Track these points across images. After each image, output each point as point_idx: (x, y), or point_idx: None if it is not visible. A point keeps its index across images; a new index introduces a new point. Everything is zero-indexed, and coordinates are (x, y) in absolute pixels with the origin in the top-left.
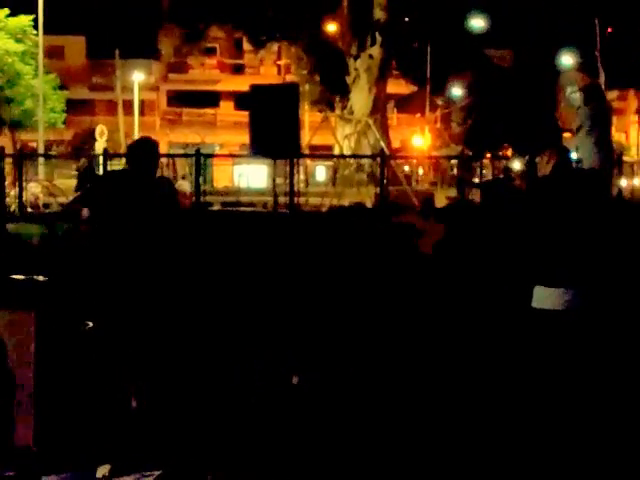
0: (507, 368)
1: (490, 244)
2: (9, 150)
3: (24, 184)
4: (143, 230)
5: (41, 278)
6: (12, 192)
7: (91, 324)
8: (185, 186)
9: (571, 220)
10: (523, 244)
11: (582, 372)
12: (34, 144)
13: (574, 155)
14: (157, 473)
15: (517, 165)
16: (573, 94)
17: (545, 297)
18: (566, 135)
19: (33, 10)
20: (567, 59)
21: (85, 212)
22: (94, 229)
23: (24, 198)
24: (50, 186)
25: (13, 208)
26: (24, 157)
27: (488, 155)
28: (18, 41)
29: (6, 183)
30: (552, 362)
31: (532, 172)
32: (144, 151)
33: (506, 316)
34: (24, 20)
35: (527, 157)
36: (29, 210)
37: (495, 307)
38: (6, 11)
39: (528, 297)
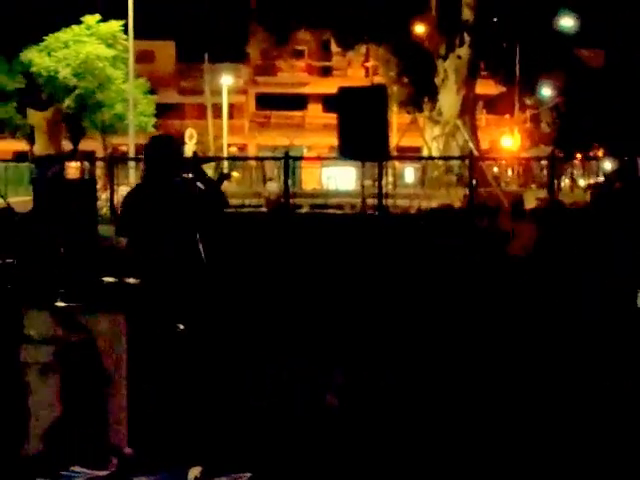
0: (612, 367)
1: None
2: (100, 154)
3: (115, 187)
4: (196, 238)
5: (132, 280)
6: (103, 195)
7: (182, 327)
8: (273, 187)
9: None
10: (626, 245)
11: None
12: (125, 148)
13: None
14: (247, 475)
15: (608, 166)
16: None
17: None
18: None
19: (123, 15)
20: None
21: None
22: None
23: (115, 201)
24: None
25: (104, 211)
26: (115, 161)
27: (579, 156)
28: (109, 46)
29: (98, 186)
30: None
31: (630, 172)
32: (159, 152)
33: (612, 317)
34: (114, 25)
35: (624, 158)
36: None
37: (600, 308)
38: (97, 17)
39: (633, 298)
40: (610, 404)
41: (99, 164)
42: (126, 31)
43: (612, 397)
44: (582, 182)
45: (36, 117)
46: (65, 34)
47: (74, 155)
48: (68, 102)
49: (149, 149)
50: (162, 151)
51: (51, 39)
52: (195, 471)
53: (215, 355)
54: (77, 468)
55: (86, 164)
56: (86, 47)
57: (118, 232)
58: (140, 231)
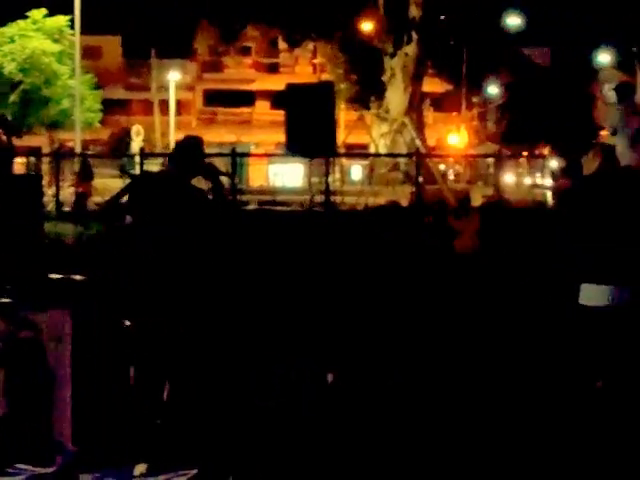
0: (554, 365)
1: (531, 241)
2: (46, 150)
3: (61, 183)
4: (180, 231)
5: (78, 277)
6: (49, 192)
7: (128, 323)
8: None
9: (618, 217)
10: (570, 241)
11: (630, 368)
12: (71, 144)
13: None
14: (193, 472)
15: (554, 164)
16: (610, 92)
17: (593, 294)
18: (603, 133)
19: (70, 10)
20: (604, 57)
21: (128, 218)
22: (134, 229)
23: (61, 197)
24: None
25: (51, 207)
26: (61, 157)
27: (525, 153)
28: (55, 41)
29: (43, 182)
30: (600, 359)
31: (576, 170)
32: (191, 151)
33: (553, 314)
34: (61, 20)
35: (570, 156)
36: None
37: (541, 305)
38: (43, 11)
39: (575, 294)
40: (550, 399)
41: (45, 160)
42: (72, 26)
43: (553, 393)
44: (528, 180)
45: None
46: (10, 29)
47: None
48: (13, 97)
49: (184, 146)
50: (194, 151)
51: None
52: (141, 467)
53: (162, 351)
54: (22, 465)
55: (31, 160)
56: (32, 42)
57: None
58: (151, 216)
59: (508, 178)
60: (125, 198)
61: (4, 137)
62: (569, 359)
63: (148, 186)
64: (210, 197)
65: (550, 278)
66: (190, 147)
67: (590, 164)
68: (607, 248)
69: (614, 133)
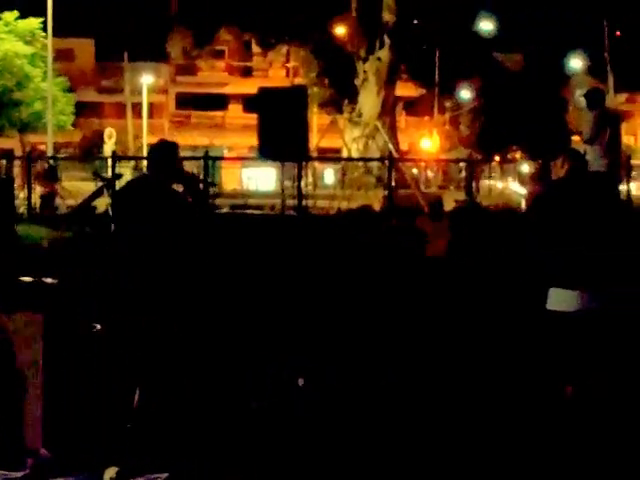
0: (521, 370)
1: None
2: (18, 152)
3: (33, 186)
4: (158, 236)
5: (49, 280)
6: (21, 194)
7: (99, 326)
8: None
9: (586, 222)
10: (538, 246)
11: (597, 373)
12: (43, 146)
13: None
14: (163, 476)
15: (525, 168)
16: (581, 97)
17: (561, 299)
18: (575, 138)
19: (42, 13)
20: (576, 62)
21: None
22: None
23: (32, 200)
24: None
25: (22, 210)
26: (33, 159)
27: (496, 158)
28: (27, 43)
29: (15, 185)
30: (567, 364)
31: (545, 175)
32: (165, 155)
33: (520, 318)
34: (33, 23)
35: (539, 161)
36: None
37: (509, 309)
38: (15, 13)
39: (543, 299)
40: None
41: (17, 162)
42: (45, 28)
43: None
44: (500, 184)
45: None
46: None
47: None
48: None
49: (157, 151)
50: (168, 155)
51: None
52: (111, 472)
53: (133, 355)
54: None
55: (3, 162)
56: (4, 44)
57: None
58: (129, 221)
59: (480, 183)
60: (97, 201)
61: None
62: (537, 364)
63: (130, 192)
64: (188, 200)
65: (518, 282)
66: (164, 150)
67: (559, 169)
68: (576, 253)
69: (590, 142)
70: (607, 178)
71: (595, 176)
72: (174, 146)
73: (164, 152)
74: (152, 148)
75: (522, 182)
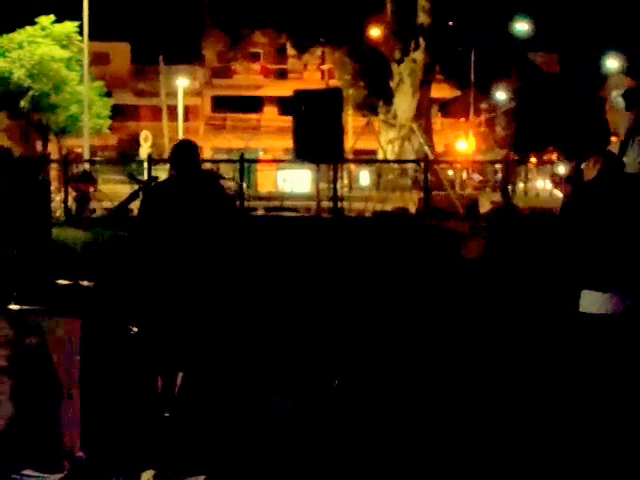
0: (555, 372)
1: (537, 249)
2: (55, 156)
3: (69, 189)
4: (193, 237)
5: (86, 283)
6: (57, 197)
7: (136, 329)
8: (228, 184)
9: (619, 224)
10: (570, 248)
11: (631, 377)
12: (79, 149)
13: None
14: (201, 479)
15: (561, 169)
16: (618, 98)
17: (593, 301)
18: (613, 139)
19: (78, 17)
20: (612, 62)
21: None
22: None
23: (69, 202)
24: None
25: (59, 213)
26: (69, 163)
27: (533, 159)
28: (64, 47)
29: (52, 188)
30: (600, 367)
31: (578, 177)
32: (187, 154)
33: (553, 320)
34: (69, 26)
35: (574, 162)
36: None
37: (542, 312)
38: (52, 17)
39: (576, 302)
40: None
41: (54, 166)
42: (81, 32)
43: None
44: (537, 185)
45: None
46: (19, 35)
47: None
48: (23, 104)
49: (179, 152)
50: (190, 153)
51: (5, 40)
52: (148, 474)
53: (169, 358)
54: (29, 471)
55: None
56: (40, 48)
57: (137, 230)
58: (162, 223)
59: (516, 184)
60: (133, 204)
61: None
62: (569, 367)
63: (160, 196)
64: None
65: (551, 285)
66: (184, 149)
67: (590, 170)
68: (608, 255)
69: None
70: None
71: (628, 177)
72: (193, 144)
73: (184, 150)
74: (174, 147)
75: (557, 183)
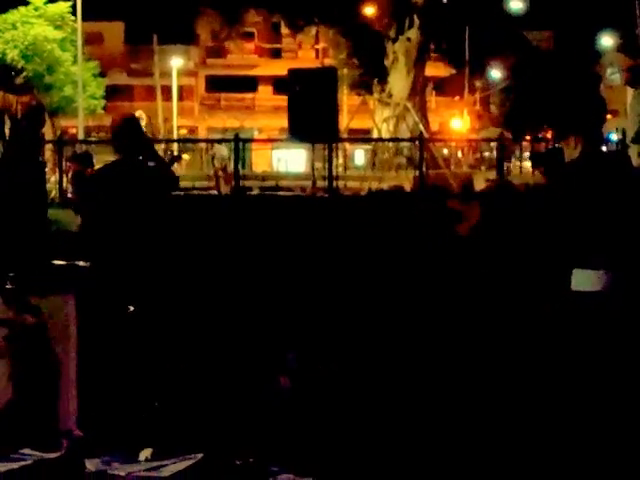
0: (546, 350)
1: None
2: (49, 136)
3: (64, 170)
4: (139, 219)
5: (81, 263)
6: (52, 178)
7: (132, 308)
8: (223, 151)
9: (607, 202)
10: (561, 226)
11: (623, 355)
12: (74, 130)
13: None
14: (198, 457)
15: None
16: (613, 75)
17: (584, 279)
18: (608, 116)
19: None
20: (607, 40)
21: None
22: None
23: (64, 184)
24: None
25: (53, 194)
26: (64, 143)
27: (528, 137)
28: (57, 28)
29: (46, 169)
30: (592, 344)
31: (552, 156)
32: (129, 132)
33: (544, 298)
34: (63, 6)
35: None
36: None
37: (533, 290)
38: None
39: (567, 280)
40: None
41: (48, 146)
42: (74, 12)
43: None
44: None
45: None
46: (12, 15)
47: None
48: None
49: (123, 128)
50: (134, 130)
51: None
52: (146, 452)
53: (166, 337)
54: (27, 450)
55: None
56: (34, 29)
57: (82, 208)
58: (109, 208)
59: (511, 162)
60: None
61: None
62: (560, 346)
63: (106, 178)
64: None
65: (542, 263)
66: (127, 125)
67: (572, 151)
68: (599, 232)
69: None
70: (623, 156)
71: (613, 154)
72: (134, 119)
73: (128, 126)
74: (113, 126)
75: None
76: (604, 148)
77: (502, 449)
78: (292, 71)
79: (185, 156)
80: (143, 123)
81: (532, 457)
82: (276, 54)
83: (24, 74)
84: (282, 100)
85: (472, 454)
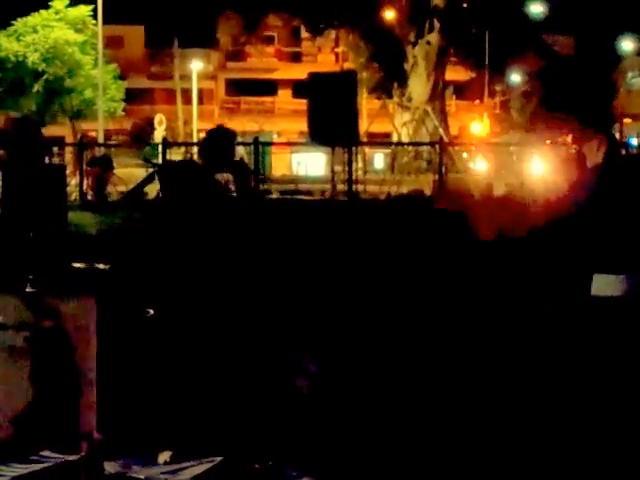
0: (567, 355)
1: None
2: (69, 139)
3: (84, 173)
4: (205, 221)
5: (102, 266)
6: (72, 181)
7: (152, 311)
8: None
9: (629, 207)
10: (582, 232)
11: None
12: (94, 133)
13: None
14: (217, 460)
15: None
16: (634, 79)
17: (605, 284)
18: (626, 120)
19: (92, 0)
20: (628, 44)
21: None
22: (160, 217)
23: (84, 186)
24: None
25: (74, 197)
26: (84, 146)
27: (548, 142)
28: (78, 31)
29: (67, 172)
30: (612, 349)
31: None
32: (220, 142)
33: (565, 304)
34: (83, 10)
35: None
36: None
37: (554, 295)
38: (65, 1)
39: (588, 285)
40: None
41: (68, 149)
42: (95, 16)
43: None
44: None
45: None
46: (34, 19)
47: None
48: (37, 87)
49: (213, 137)
50: (223, 142)
51: (19, 24)
52: (165, 455)
53: (186, 340)
54: (47, 453)
55: (55, 149)
56: (55, 32)
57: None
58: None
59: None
60: (147, 187)
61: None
62: (580, 351)
63: (171, 175)
64: (233, 190)
65: (563, 268)
66: (219, 137)
67: (594, 154)
68: (619, 237)
69: None
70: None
71: (635, 158)
72: (231, 134)
73: (220, 139)
74: (208, 133)
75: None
76: (623, 152)
77: (507, 451)
78: (312, 75)
79: None
80: (163, 126)
81: (548, 458)
82: (296, 58)
83: (45, 77)
84: (301, 104)
85: (487, 456)
